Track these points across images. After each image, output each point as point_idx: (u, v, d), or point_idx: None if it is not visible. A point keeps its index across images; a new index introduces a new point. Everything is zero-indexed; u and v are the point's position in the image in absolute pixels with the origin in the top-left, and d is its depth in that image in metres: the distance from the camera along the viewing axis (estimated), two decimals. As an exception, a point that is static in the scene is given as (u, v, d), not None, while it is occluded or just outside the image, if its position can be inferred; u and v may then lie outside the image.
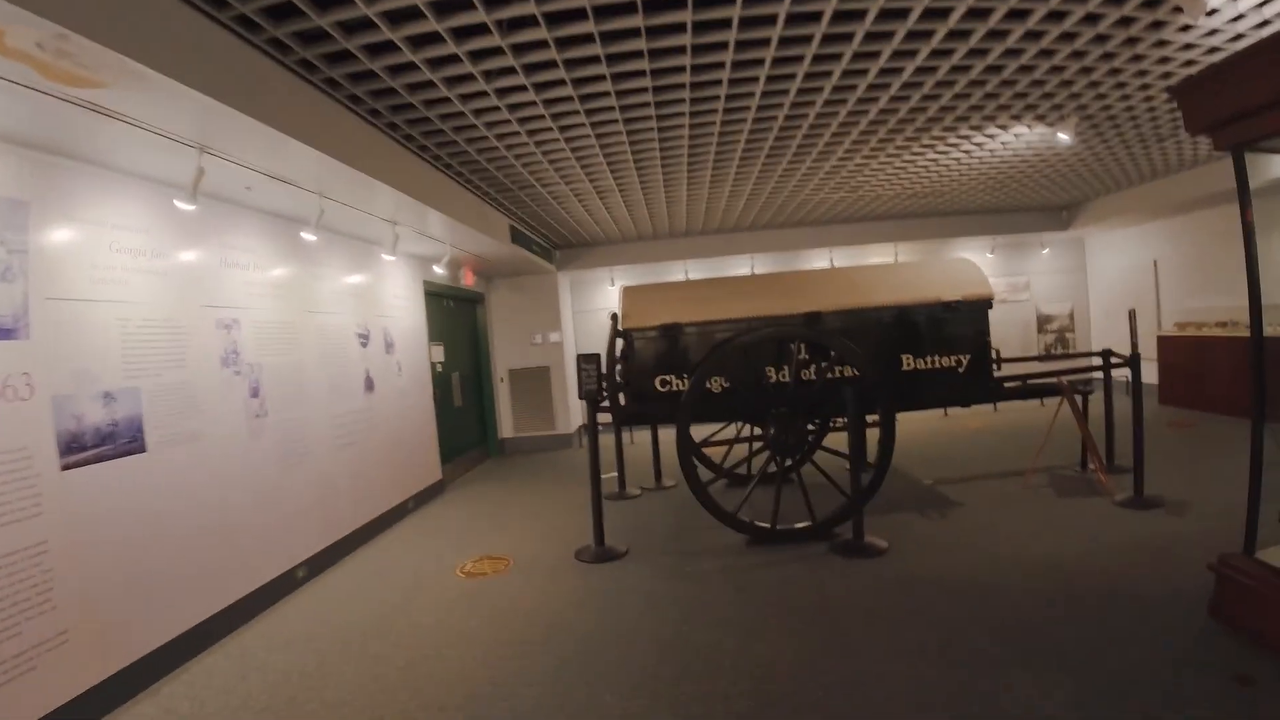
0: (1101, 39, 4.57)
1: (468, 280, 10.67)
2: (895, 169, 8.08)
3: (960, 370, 5.83)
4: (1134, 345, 5.92)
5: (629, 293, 6.23)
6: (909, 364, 5.80)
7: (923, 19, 4.16)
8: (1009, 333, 12.88)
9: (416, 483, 8.23)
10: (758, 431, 6.08)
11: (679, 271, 12.59)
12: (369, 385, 7.19)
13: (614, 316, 6.02)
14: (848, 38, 4.44)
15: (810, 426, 5.88)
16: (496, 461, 11.30)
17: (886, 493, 6.67)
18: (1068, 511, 5.90)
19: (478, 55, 4.25)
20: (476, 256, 9.87)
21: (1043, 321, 13.09)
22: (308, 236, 5.62)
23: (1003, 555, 5.01)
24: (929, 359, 5.81)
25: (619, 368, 6.20)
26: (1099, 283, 12.96)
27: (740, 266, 12.69)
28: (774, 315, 5.79)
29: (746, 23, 4.22)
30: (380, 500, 7.22)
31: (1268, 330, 8.63)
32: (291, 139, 4.04)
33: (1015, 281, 13.00)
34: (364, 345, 7.18)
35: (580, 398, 5.91)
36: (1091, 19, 4.29)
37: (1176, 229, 10.94)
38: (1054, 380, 6.49)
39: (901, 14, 4.11)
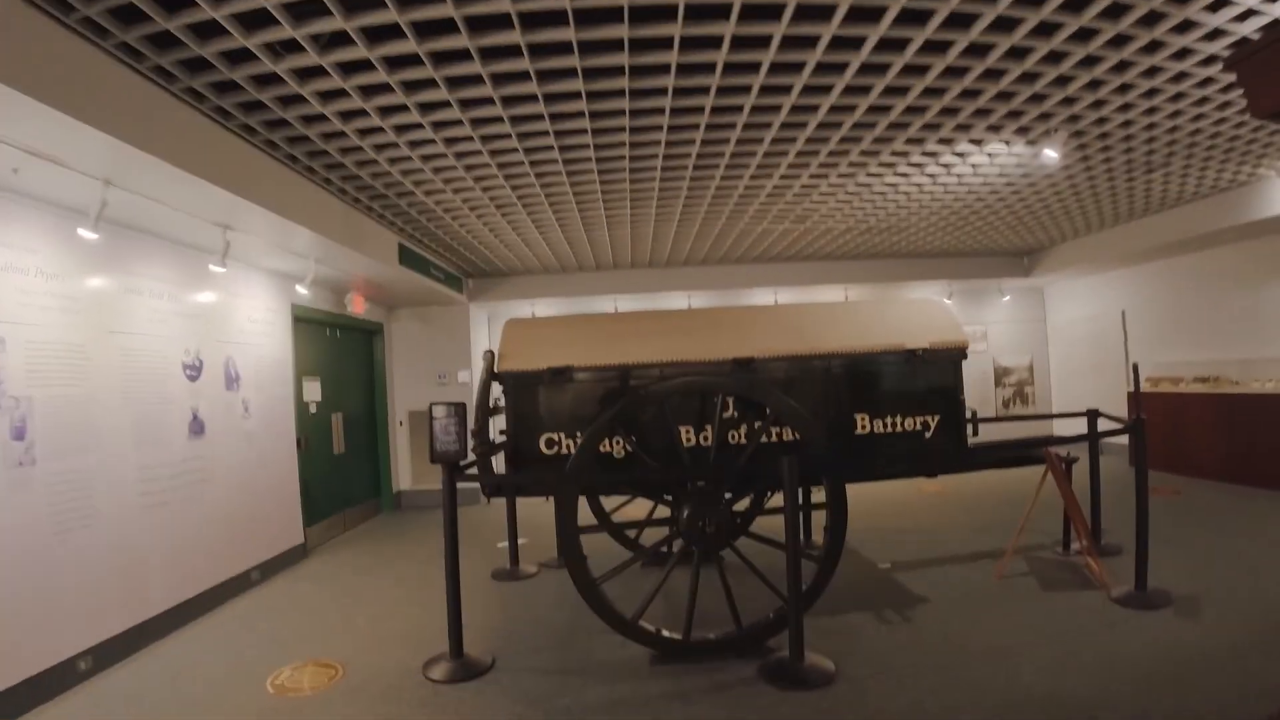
0: (1117, 9, 3.48)
1: (357, 308, 9.15)
2: (849, 194, 6.96)
3: (927, 435, 4.62)
4: (1138, 406, 4.80)
5: (512, 327, 4.90)
6: (864, 426, 4.57)
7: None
8: (967, 386, 11.87)
9: (265, 548, 6.71)
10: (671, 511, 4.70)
11: (608, 306, 11.31)
12: (197, 428, 5.74)
13: (489, 355, 4.68)
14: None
15: (739, 505, 4.60)
16: (388, 518, 9.73)
17: (834, 579, 5.40)
18: (1058, 613, 4.69)
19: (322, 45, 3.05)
20: (367, 280, 8.46)
21: (1000, 374, 12.15)
22: (86, 235, 4.23)
23: (989, 685, 3.73)
24: (889, 420, 4.59)
25: (496, 421, 4.84)
26: (1060, 334, 12.11)
27: (677, 304, 11.48)
28: (695, 361, 4.51)
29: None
30: (210, 571, 5.79)
31: (1264, 387, 7.67)
32: (58, 111, 3.02)
33: (972, 331, 12.04)
34: (193, 379, 5.75)
35: (433, 460, 4.52)
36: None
37: (1145, 277, 10.11)
38: (1037, 449, 5.36)
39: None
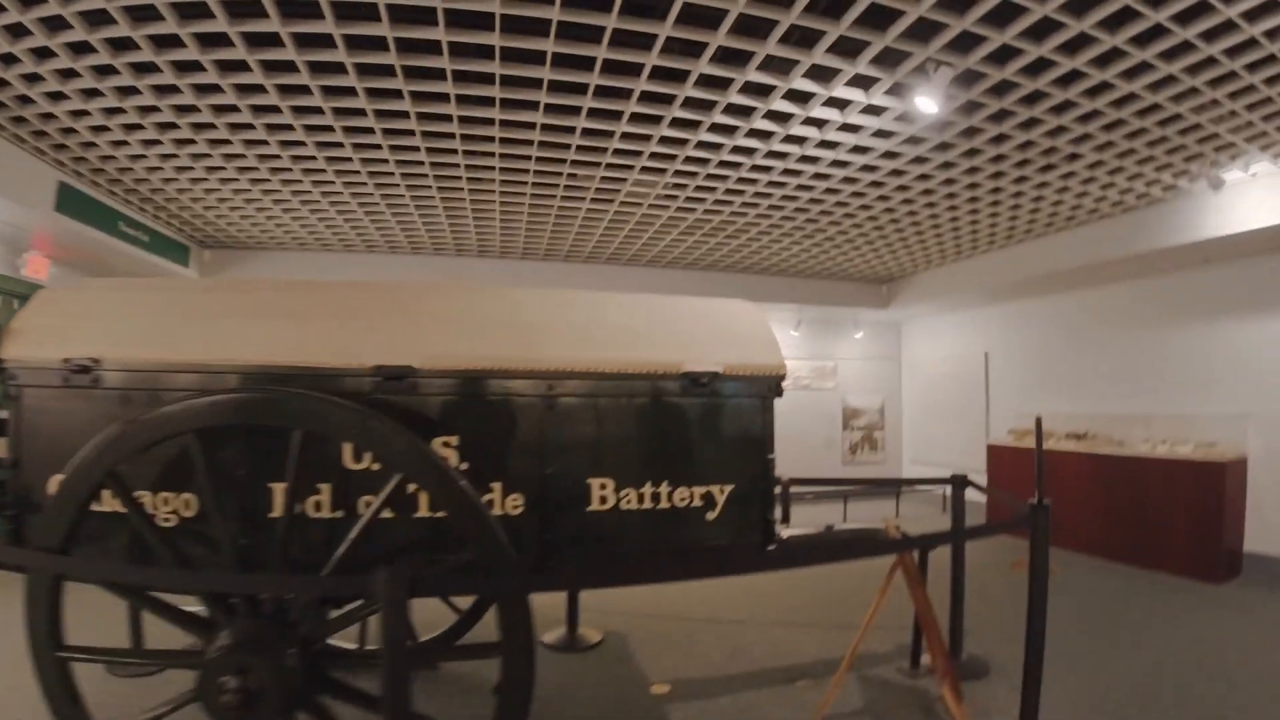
0: None
1: (34, 271, 6.63)
2: (663, 162, 5.24)
3: (711, 515, 2.82)
4: (1040, 482, 3.22)
5: (45, 299, 2.78)
6: (604, 497, 2.71)
7: None
8: (813, 427, 10.45)
9: None
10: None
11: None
12: None
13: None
14: None
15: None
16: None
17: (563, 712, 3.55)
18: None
19: None
20: (54, 239, 6.17)
21: (849, 416, 10.82)
22: None
23: None
24: (648, 490, 2.75)
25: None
26: (916, 375, 10.92)
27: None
28: (314, 366, 2.54)
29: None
30: None
31: (1154, 451, 6.41)
32: None
33: (822, 366, 10.69)
34: None
35: None
36: None
37: (1014, 316, 9.00)
38: (879, 528, 3.72)
39: None
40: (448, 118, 4.46)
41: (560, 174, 5.50)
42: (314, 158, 5.20)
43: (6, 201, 5.13)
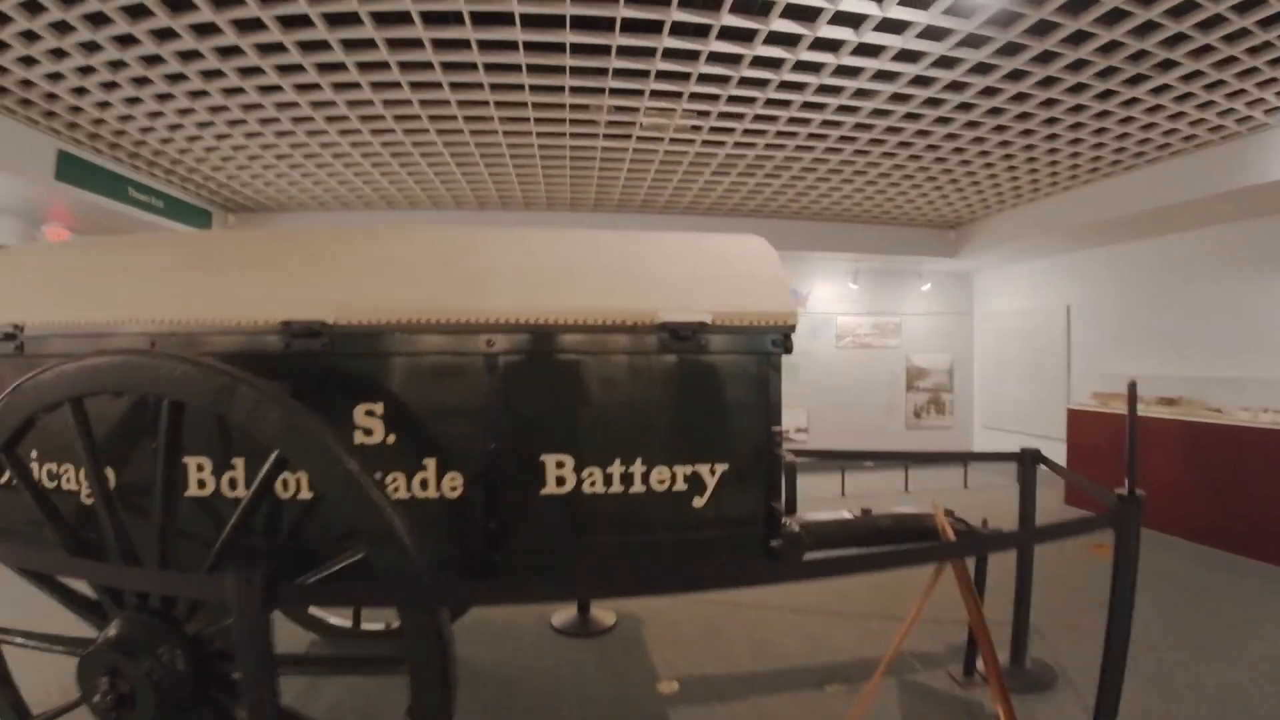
0: None
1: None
2: (705, 103, 4.67)
3: (698, 503, 2.31)
4: (1132, 467, 2.63)
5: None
6: (561, 478, 2.22)
7: None
8: (873, 389, 9.74)
9: None
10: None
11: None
12: None
13: None
14: None
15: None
16: None
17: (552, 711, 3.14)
18: None
19: None
20: (69, 208, 6.19)
21: (913, 376, 10.03)
22: None
23: None
24: (616, 469, 2.25)
25: None
26: (988, 331, 10.02)
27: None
28: (214, 326, 2.14)
29: None
30: None
31: (1258, 420, 5.57)
32: None
33: (884, 323, 9.90)
34: None
35: None
36: None
37: (1099, 264, 8.04)
38: (924, 516, 3.16)
39: None
40: (470, 64, 3.98)
41: (586, 105, 4.98)
42: (296, 103, 4.84)
43: (3, 174, 5.16)
